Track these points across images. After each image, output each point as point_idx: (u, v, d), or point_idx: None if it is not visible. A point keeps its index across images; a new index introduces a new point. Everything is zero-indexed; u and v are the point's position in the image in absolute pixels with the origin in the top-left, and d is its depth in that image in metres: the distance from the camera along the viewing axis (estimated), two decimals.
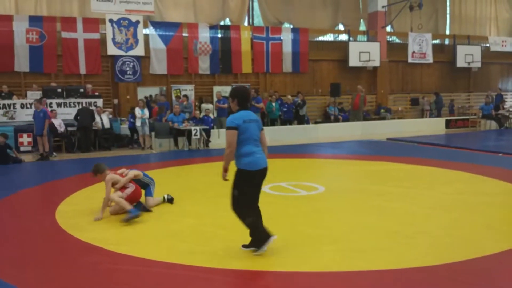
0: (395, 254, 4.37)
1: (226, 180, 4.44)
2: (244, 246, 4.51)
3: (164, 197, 6.64)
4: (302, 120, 16.94)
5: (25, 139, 12.67)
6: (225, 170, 4.40)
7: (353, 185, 7.83)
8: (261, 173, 4.39)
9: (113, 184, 5.97)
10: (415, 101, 21.84)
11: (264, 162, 4.40)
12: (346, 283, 3.78)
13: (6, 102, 13.06)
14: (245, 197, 4.35)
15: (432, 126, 18.31)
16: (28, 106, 13.01)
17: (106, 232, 5.24)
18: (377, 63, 20.14)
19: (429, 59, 21.80)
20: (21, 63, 15.08)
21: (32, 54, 15.15)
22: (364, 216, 5.75)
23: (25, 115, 13.03)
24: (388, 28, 21.34)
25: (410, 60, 21.42)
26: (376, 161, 10.24)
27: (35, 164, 10.95)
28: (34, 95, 13.52)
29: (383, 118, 19.55)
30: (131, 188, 6.04)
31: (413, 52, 21.40)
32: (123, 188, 6.00)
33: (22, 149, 12.46)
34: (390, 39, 21.76)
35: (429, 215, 5.76)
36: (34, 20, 15.17)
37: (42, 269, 4.11)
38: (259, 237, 4.37)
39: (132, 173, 6.20)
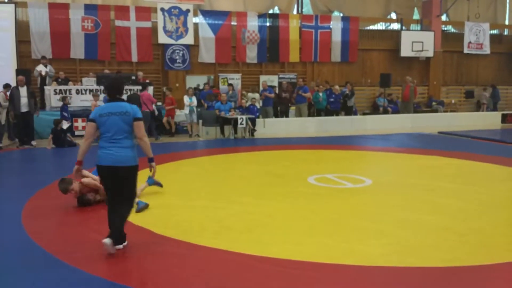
0: (445, 251, 4.23)
1: (76, 173, 4.36)
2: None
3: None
4: (349, 111, 16.64)
5: (80, 123, 13.20)
6: (77, 162, 4.25)
7: (402, 179, 7.62)
8: (107, 170, 4.11)
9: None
10: (470, 93, 20.91)
11: (112, 160, 4.07)
12: (394, 278, 3.70)
13: (63, 87, 13.62)
14: (105, 189, 4.34)
15: (487, 120, 17.46)
16: (83, 92, 13.53)
17: (156, 216, 5.38)
18: (430, 53, 19.41)
19: (486, 50, 20.79)
20: (77, 50, 15.68)
21: (87, 42, 15.71)
22: (413, 211, 5.58)
23: (80, 101, 13.54)
24: (443, 17, 20.50)
25: (466, 50, 20.52)
26: (427, 155, 9.92)
27: (91, 148, 11.39)
28: (89, 81, 14.03)
29: (435, 111, 18.87)
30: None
31: (469, 42, 20.47)
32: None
33: (77, 133, 12.97)
34: (445, 29, 20.90)
35: (483, 213, 5.52)
36: (89, 9, 15.70)
37: (95, 248, 4.28)
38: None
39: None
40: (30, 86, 11.63)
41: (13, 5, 15.15)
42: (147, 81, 15.03)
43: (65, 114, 12.30)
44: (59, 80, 14.13)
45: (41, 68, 14.09)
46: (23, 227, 4.91)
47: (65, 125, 12.25)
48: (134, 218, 5.21)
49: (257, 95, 15.30)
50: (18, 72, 12.93)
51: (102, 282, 3.59)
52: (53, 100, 13.24)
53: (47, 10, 15.25)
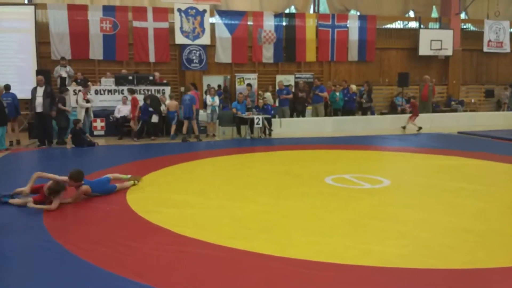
0: (465, 253, 4.17)
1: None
2: None
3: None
4: (366, 111, 16.51)
5: (99, 123, 13.37)
6: None
7: (420, 179, 7.53)
8: None
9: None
10: (490, 93, 20.55)
11: None
12: (413, 279, 3.65)
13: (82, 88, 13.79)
14: None
15: (508, 120, 17.13)
16: (102, 92, 13.71)
17: (173, 215, 5.42)
18: (449, 52, 19.16)
19: (507, 48, 20.45)
20: (96, 51, 15.90)
21: (106, 43, 15.92)
22: (433, 212, 5.51)
23: (99, 101, 13.72)
24: (463, 15, 20.20)
25: (485, 49, 20.20)
26: (446, 156, 9.78)
27: (110, 148, 11.55)
28: (107, 81, 14.21)
29: (454, 111, 18.60)
30: None
31: (489, 40, 20.15)
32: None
33: (95, 133, 13.14)
34: (465, 27, 20.59)
35: (503, 214, 5.43)
36: (108, 10, 15.91)
37: (113, 246, 4.33)
38: None
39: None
40: (49, 87, 11.71)
41: (33, 6, 15.45)
42: (164, 81, 15.15)
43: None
44: (78, 80, 14.34)
45: (60, 70, 14.30)
46: (44, 225, 5.00)
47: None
48: (152, 217, 5.26)
49: (268, 94, 15.23)
50: (38, 72, 13.15)
51: (120, 280, 3.62)
52: (72, 100, 13.43)
53: (66, 11, 15.51)
